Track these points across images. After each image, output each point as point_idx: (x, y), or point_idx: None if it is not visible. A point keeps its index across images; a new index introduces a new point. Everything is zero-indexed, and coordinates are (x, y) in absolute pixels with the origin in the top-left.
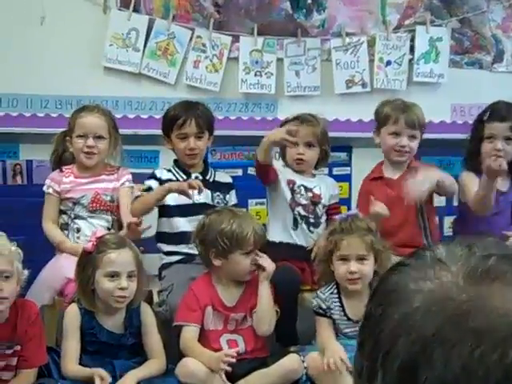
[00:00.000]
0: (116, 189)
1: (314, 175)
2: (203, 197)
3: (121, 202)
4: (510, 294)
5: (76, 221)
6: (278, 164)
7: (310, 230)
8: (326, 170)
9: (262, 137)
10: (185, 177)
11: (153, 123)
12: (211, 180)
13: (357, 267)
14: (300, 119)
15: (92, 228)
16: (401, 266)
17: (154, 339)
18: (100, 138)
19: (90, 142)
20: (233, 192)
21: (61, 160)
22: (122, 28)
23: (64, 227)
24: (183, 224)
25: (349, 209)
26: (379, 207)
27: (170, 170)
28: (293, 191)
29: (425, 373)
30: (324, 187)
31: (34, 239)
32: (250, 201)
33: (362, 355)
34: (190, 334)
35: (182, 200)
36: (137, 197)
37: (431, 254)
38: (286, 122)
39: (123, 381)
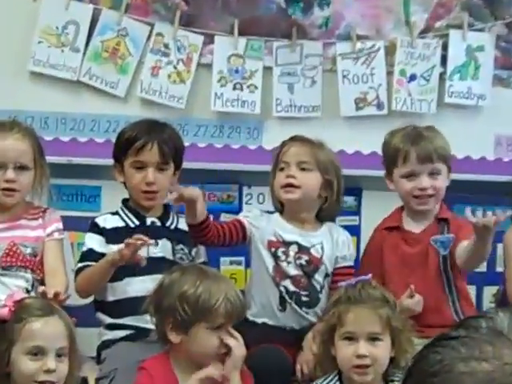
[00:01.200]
0: (40, 239)
1: (315, 227)
2: (160, 249)
3: (46, 259)
4: None
5: None
6: (252, 213)
7: (304, 311)
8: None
9: (241, 173)
10: (137, 222)
11: (94, 149)
12: (172, 227)
13: (367, 349)
14: (295, 138)
15: (5, 290)
16: (445, 340)
17: None
18: (22, 168)
19: (10, 174)
20: (201, 247)
21: None
22: (56, 20)
23: None
24: (133, 287)
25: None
26: (414, 302)
27: (116, 213)
28: (275, 257)
29: None
30: (329, 245)
31: None
32: (222, 259)
33: None
34: None
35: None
36: (78, 270)
37: (488, 325)
38: (279, 146)
39: None
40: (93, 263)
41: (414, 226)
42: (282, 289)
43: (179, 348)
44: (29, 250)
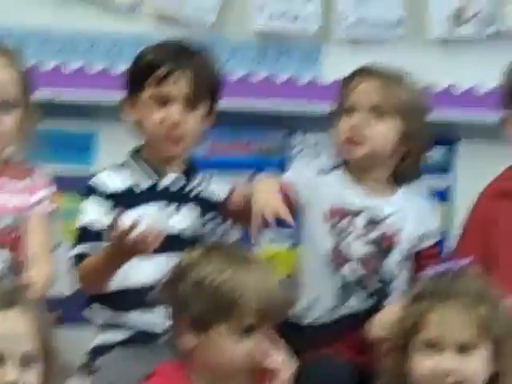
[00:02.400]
0: (24, 208)
1: (393, 191)
2: (183, 218)
3: (29, 239)
4: None
5: None
6: (303, 174)
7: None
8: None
9: (291, 114)
10: (152, 181)
11: (88, 81)
12: (200, 188)
13: (456, 363)
14: (366, 70)
15: None
16: None
17: None
18: (5, 105)
19: None
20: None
21: None
22: None
23: None
24: (141, 271)
25: (447, 253)
26: None
27: (122, 167)
28: (337, 231)
29: None
30: (409, 216)
31: None
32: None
33: None
34: None
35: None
36: (77, 257)
37: None
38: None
39: None
40: (95, 244)
41: None
42: (347, 274)
43: (196, 355)
44: (9, 221)
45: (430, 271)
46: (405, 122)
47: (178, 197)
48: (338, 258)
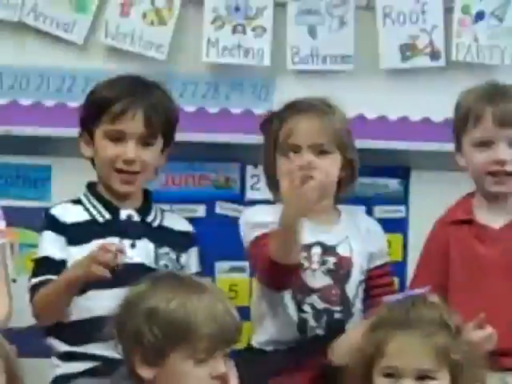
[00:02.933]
0: None
1: (334, 216)
2: (138, 253)
3: None
4: None
5: None
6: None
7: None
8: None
9: (244, 147)
10: (108, 216)
11: (42, 116)
12: (155, 224)
13: None
14: (298, 107)
15: None
16: None
17: None
18: None
19: None
20: (193, 251)
21: None
22: None
23: None
24: (100, 303)
25: (402, 285)
26: (484, 335)
27: (79, 202)
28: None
29: None
30: (357, 238)
31: None
32: (217, 264)
33: None
34: None
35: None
36: (35, 287)
37: None
38: (274, 116)
39: None
40: (53, 277)
41: (491, 220)
42: (307, 309)
43: None
44: None
45: (387, 298)
46: (343, 153)
47: (132, 232)
48: (299, 291)
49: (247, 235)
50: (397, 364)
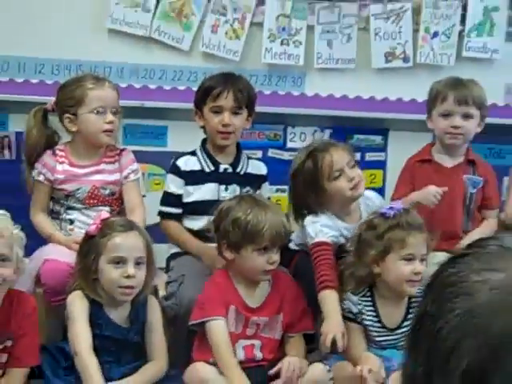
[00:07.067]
0: (117, 181)
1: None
2: (230, 193)
3: (126, 198)
4: None
5: (70, 211)
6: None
7: None
8: (358, 156)
9: (286, 115)
10: (212, 168)
11: (162, 95)
12: (242, 173)
13: (422, 268)
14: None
15: (88, 220)
16: (458, 258)
17: (157, 338)
18: (116, 113)
19: (110, 117)
20: (265, 185)
21: (49, 145)
22: None
23: (55, 216)
24: (202, 223)
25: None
26: (433, 191)
27: (194, 154)
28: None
29: (494, 382)
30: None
31: (22, 223)
32: (269, 187)
33: (415, 359)
34: (222, 329)
35: (206, 196)
36: (163, 214)
37: (497, 243)
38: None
39: None
40: (173, 210)
41: (445, 160)
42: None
43: (234, 264)
44: (107, 192)
45: (383, 210)
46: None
47: (227, 179)
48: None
49: (311, 235)
50: (413, 251)
